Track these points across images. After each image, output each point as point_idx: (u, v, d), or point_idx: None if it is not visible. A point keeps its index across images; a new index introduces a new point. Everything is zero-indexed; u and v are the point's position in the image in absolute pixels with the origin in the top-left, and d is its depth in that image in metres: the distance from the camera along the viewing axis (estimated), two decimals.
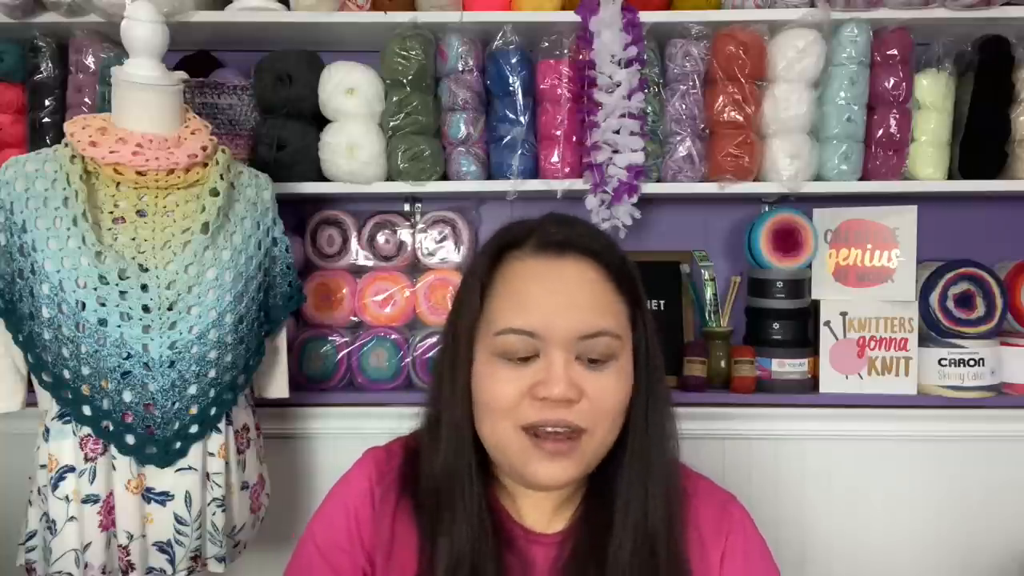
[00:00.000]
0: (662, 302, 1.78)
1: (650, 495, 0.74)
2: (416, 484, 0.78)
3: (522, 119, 1.55)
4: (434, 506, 0.75)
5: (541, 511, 0.79)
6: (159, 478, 1.17)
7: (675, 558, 0.74)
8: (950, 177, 1.62)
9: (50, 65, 1.53)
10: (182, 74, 1.24)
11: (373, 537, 0.78)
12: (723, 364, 1.69)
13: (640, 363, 0.75)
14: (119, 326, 1.13)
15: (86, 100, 1.51)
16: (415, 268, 1.74)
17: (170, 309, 1.15)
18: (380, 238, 1.71)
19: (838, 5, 1.55)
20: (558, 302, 0.71)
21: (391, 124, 1.54)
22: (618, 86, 1.49)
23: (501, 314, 0.72)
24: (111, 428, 1.14)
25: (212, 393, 1.20)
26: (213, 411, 1.21)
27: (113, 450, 1.15)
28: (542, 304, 0.71)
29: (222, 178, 1.21)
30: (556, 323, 0.70)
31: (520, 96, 1.55)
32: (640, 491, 0.74)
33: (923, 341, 1.67)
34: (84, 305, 1.11)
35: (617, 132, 1.51)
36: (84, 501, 1.14)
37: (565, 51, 1.55)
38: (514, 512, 0.80)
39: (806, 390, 1.68)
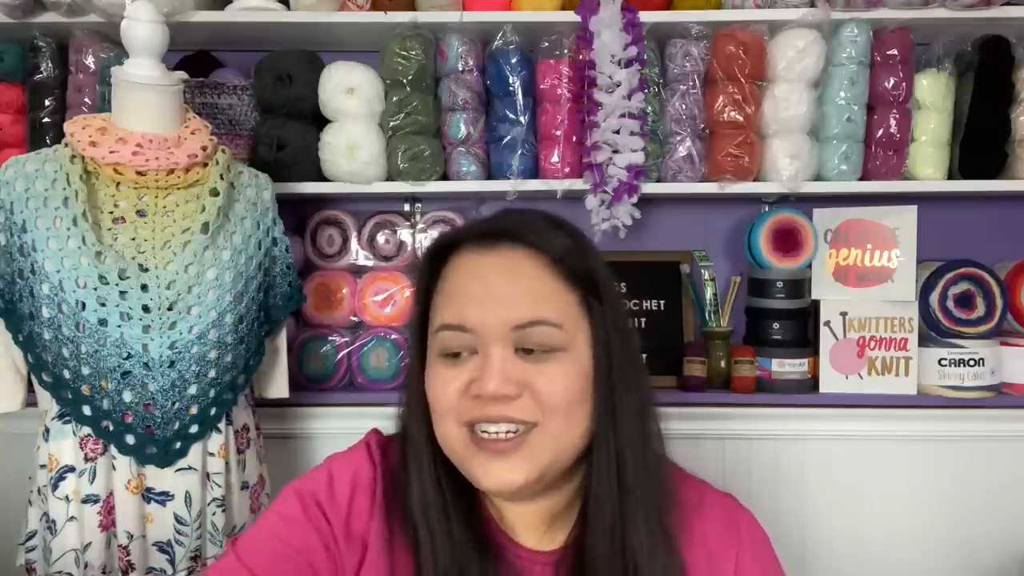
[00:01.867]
0: (662, 302, 1.78)
1: (626, 506, 0.69)
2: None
3: (522, 119, 1.55)
4: (414, 519, 0.72)
5: (531, 526, 0.74)
6: (159, 478, 1.17)
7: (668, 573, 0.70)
8: (950, 177, 1.62)
9: (50, 65, 1.53)
10: (182, 74, 1.24)
11: (367, 524, 0.73)
12: (723, 364, 1.69)
13: (600, 357, 0.69)
14: (119, 326, 1.12)
15: (86, 100, 1.51)
16: (415, 268, 1.73)
17: (170, 309, 1.15)
18: (380, 238, 1.71)
19: (838, 5, 1.55)
20: (490, 294, 0.67)
21: (391, 124, 1.54)
22: (618, 86, 1.49)
23: (438, 312, 0.70)
24: (111, 428, 1.14)
25: (212, 393, 1.20)
26: (213, 411, 1.21)
27: (113, 450, 1.15)
28: (473, 297, 0.68)
29: (222, 178, 1.21)
30: (488, 316, 0.67)
31: (520, 96, 1.55)
32: (614, 500, 0.69)
33: (923, 341, 1.67)
34: (84, 305, 1.11)
35: (617, 132, 1.51)
36: (84, 501, 1.14)
37: (565, 51, 1.55)
38: (506, 528, 0.75)
39: (806, 390, 1.68)
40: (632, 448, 0.70)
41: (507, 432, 0.66)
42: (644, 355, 0.79)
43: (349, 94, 1.53)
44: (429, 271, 0.73)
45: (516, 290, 0.68)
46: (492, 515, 0.75)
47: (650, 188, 1.57)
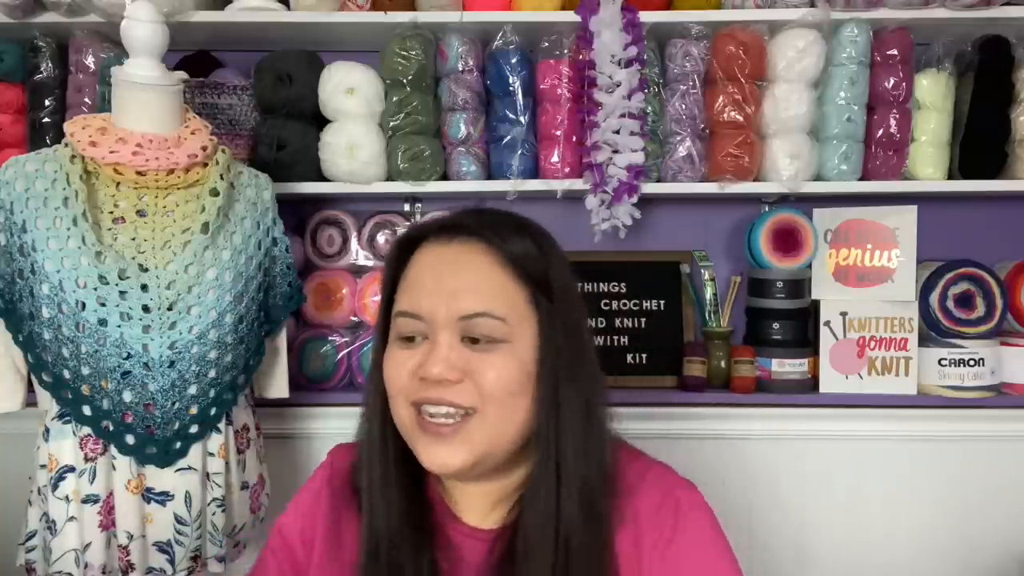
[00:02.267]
0: (662, 302, 1.78)
1: (563, 496, 0.72)
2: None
3: (522, 119, 1.55)
4: (360, 491, 0.79)
5: (477, 506, 0.79)
6: (159, 478, 1.17)
7: (593, 563, 0.72)
8: (950, 177, 1.62)
9: (50, 65, 1.53)
10: (182, 74, 1.24)
11: (312, 531, 0.83)
12: (723, 364, 1.69)
13: (545, 353, 0.73)
14: (119, 326, 1.12)
15: (86, 100, 1.51)
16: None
17: (170, 309, 1.15)
18: (380, 238, 1.71)
19: (838, 5, 1.55)
20: (442, 284, 0.72)
21: (391, 124, 1.54)
22: (618, 86, 1.49)
23: (398, 299, 0.75)
24: (111, 428, 1.14)
25: (212, 393, 1.20)
26: (213, 411, 1.21)
27: (113, 450, 1.15)
28: (428, 287, 0.73)
29: (222, 178, 1.21)
30: (438, 305, 0.71)
31: (520, 96, 1.55)
32: (552, 490, 0.72)
33: (923, 341, 1.67)
34: (84, 305, 1.11)
35: (617, 132, 1.51)
36: (84, 501, 1.14)
37: (565, 51, 1.55)
38: (451, 505, 0.80)
39: (806, 390, 1.68)
40: (573, 441, 0.73)
41: (447, 415, 0.71)
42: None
43: (349, 94, 1.53)
44: (395, 262, 0.77)
45: (465, 282, 0.72)
46: (440, 493, 0.81)
47: (650, 188, 1.57)
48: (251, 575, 0.85)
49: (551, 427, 0.72)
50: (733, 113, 1.54)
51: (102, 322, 1.12)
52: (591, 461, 0.74)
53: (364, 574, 0.76)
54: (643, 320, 1.78)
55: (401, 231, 0.85)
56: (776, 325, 1.68)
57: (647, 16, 1.52)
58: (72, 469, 1.15)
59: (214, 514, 1.22)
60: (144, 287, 1.13)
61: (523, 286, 0.73)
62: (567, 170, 1.57)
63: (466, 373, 0.70)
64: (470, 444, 0.71)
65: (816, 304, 1.71)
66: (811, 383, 1.69)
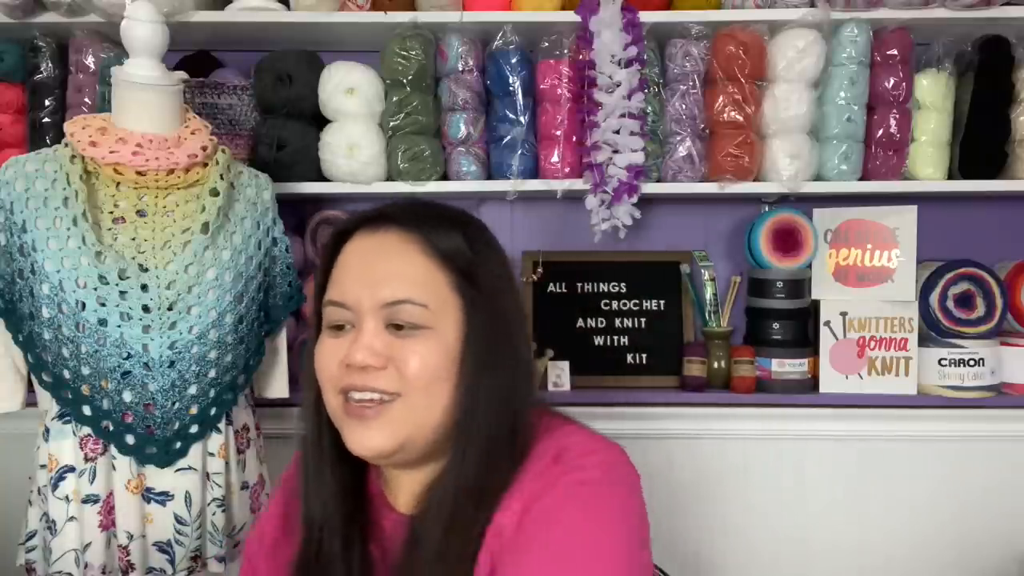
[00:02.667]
0: (662, 302, 1.78)
1: (461, 482, 0.72)
2: None
3: (522, 119, 1.55)
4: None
5: (410, 493, 0.79)
6: (159, 478, 1.17)
7: (470, 543, 0.70)
8: (950, 177, 1.62)
9: (50, 65, 1.53)
10: (182, 74, 1.24)
11: (267, 530, 0.86)
12: (723, 364, 1.69)
13: (469, 339, 0.73)
14: (119, 326, 1.12)
15: (86, 100, 1.51)
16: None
17: (170, 309, 1.15)
18: None
19: (838, 5, 1.55)
20: (367, 273, 0.74)
21: (391, 124, 1.54)
22: (618, 86, 1.49)
23: (328, 290, 0.76)
24: (111, 428, 1.14)
25: (212, 393, 1.20)
26: (213, 411, 1.21)
27: (113, 450, 1.15)
28: (353, 276, 0.74)
29: (222, 178, 1.21)
30: (362, 292, 0.73)
31: (520, 96, 1.55)
32: (454, 475, 0.72)
33: (923, 341, 1.67)
34: (84, 305, 1.11)
35: (617, 132, 1.51)
36: (84, 501, 1.14)
37: (565, 51, 1.55)
38: (388, 495, 0.81)
39: (806, 390, 1.68)
40: (488, 430, 0.72)
41: (371, 399, 0.72)
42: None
43: (349, 94, 1.53)
44: (328, 254, 0.79)
45: (388, 270, 0.73)
46: (381, 485, 0.82)
47: (650, 188, 1.57)
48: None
49: (469, 415, 0.73)
50: (733, 113, 1.54)
51: (102, 322, 1.12)
52: (501, 448, 0.73)
53: (298, 563, 0.78)
54: (643, 320, 1.78)
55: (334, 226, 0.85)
56: (776, 325, 1.68)
57: (647, 16, 1.52)
58: (72, 469, 1.15)
59: (214, 514, 1.22)
60: (144, 287, 1.13)
61: (447, 273, 0.74)
62: (567, 170, 1.57)
63: (390, 359, 0.71)
64: (392, 428, 0.72)
65: (816, 304, 1.71)
66: (811, 383, 1.69)
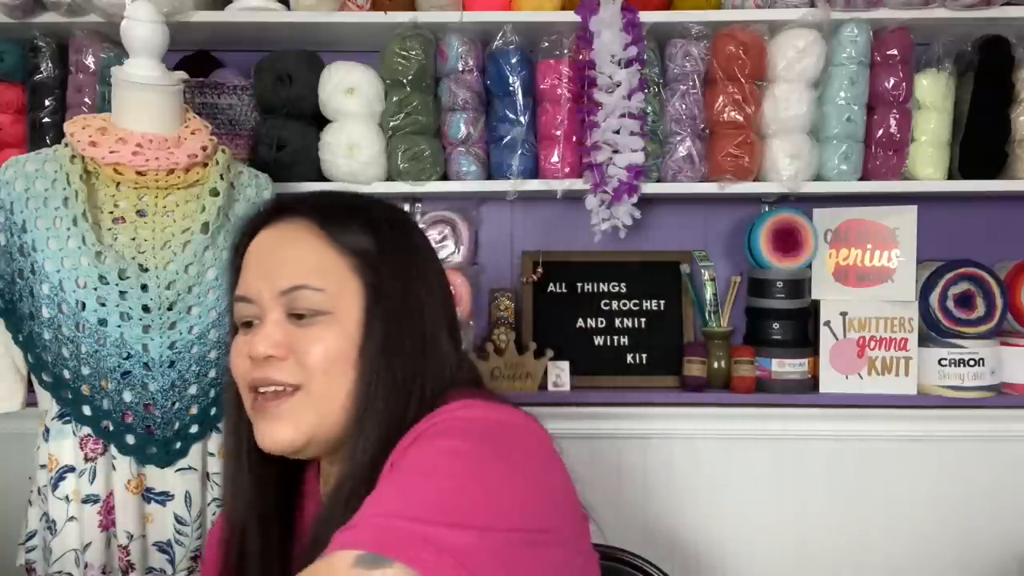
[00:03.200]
0: (662, 302, 1.78)
1: (356, 464, 0.69)
2: None
3: (522, 119, 1.56)
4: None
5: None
6: (159, 478, 1.17)
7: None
8: (950, 177, 1.62)
9: (50, 65, 1.53)
10: (182, 74, 1.24)
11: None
12: (723, 364, 1.69)
13: (369, 323, 0.71)
14: (119, 326, 1.12)
15: (86, 100, 1.50)
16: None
17: (170, 309, 1.15)
18: None
19: (838, 5, 1.55)
20: (264, 264, 0.73)
21: (391, 124, 1.54)
22: (618, 86, 1.49)
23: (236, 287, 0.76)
24: (111, 428, 1.14)
25: (212, 393, 1.20)
26: (213, 411, 1.21)
27: (113, 450, 1.15)
28: (253, 268, 0.74)
29: (222, 178, 1.21)
30: (262, 284, 0.72)
31: (520, 96, 1.55)
32: (349, 462, 0.70)
33: (923, 341, 1.67)
34: (84, 305, 1.11)
35: (617, 132, 1.51)
36: (84, 501, 1.14)
37: (565, 51, 1.55)
38: (323, 486, 0.80)
39: (806, 390, 1.68)
40: (387, 417, 0.69)
41: (274, 391, 0.71)
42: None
43: (349, 94, 1.53)
44: (236, 253, 0.79)
45: (283, 258, 0.73)
46: (316, 477, 0.82)
47: (650, 188, 1.57)
48: None
49: (365, 402, 0.70)
50: (733, 113, 1.54)
51: (102, 322, 1.12)
52: (397, 437, 0.67)
53: (222, 567, 0.78)
54: (643, 320, 1.78)
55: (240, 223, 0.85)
56: (776, 325, 1.68)
57: (647, 16, 1.52)
58: (72, 469, 1.15)
59: (214, 514, 1.22)
60: (144, 287, 1.13)
61: (346, 257, 0.72)
62: (567, 170, 1.57)
63: (291, 350, 0.70)
64: (296, 420, 0.70)
65: (816, 304, 1.71)
66: (811, 383, 1.69)
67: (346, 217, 0.74)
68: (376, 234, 0.74)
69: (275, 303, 0.72)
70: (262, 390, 0.72)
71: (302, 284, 0.71)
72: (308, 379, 0.70)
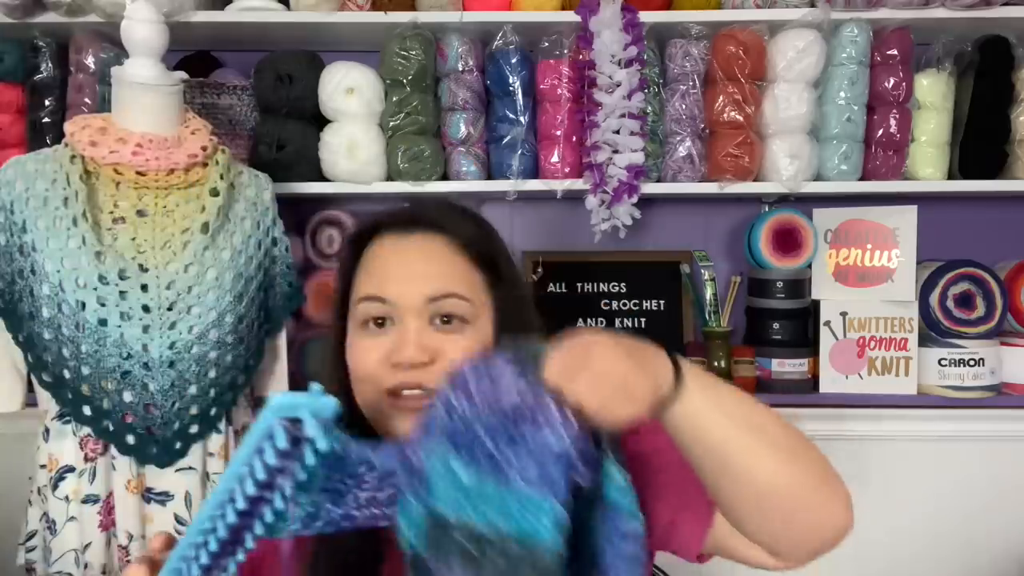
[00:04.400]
0: (662, 302, 1.78)
1: None
2: None
3: (522, 119, 1.55)
4: None
5: None
6: (159, 478, 1.17)
7: None
8: (950, 177, 1.62)
9: (50, 65, 1.52)
10: (182, 74, 1.24)
11: None
12: (723, 364, 1.69)
13: (500, 330, 0.77)
14: (119, 326, 1.12)
15: (86, 100, 1.50)
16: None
17: (170, 309, 1.15)
18: None
19: (838, 5, 1.54)
20: (406, 270, 0.76)
21: (391, 124, 1.54)
22: (618, 86, 1.49)
23: (359, 287, 0.78)
24: (111, 428, 1.14)
25: (212, 393, 1.20)
26: (213, 411, 1.21)
27: (113, 450, 1.15)
28: (392, 273, 0.76)
29: (222, 178, 1.21)
30: (405, 289, 0.74)
31: (520, 96, 1.55)
32: None
33: (923, 341, 1.67)
34: (84, 305, 1.11)
35: (617, 132, 1.51)
36: (84, 501, 1.14)
37: (565, 51, 1.55)
38: None
39: (806, 390, 1.68)
40: None
41: (420, 396, 0.73)
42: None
43: (349, 94, 1.53)
44: (351, 253, 0.80)
45: (432, 268, 0.76)
46: None
47: (650, 188, 1.57)
48: None
49: None
50: (733, 113, 1.54)
51: (102, 322, 1.12)
52: None
53: (313, 554, 0.77)
54: (643, 320, 1.78)
55: (354, 226, 0.87)
56: (776, 325, 1.68)
57: (647, 16, 1.52)
58: (72, 469, 1.15)
59: None
60: (144, 287, 1.13)
61: (479, 271, 0.78)
62: (567, 170, 1.57)
63: (435, 353, 0.73)
64: None
65: (816, 304, 1.71)
66: (811, 383, 1.69)
67: (477, 234, 0.79)
68: (498, 250, 0.80)
69: (419, 308, 0.74)
70: (406, 393, 0.74)
71: (452, 292, 0.74)
72: None
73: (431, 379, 0.72)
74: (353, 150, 1.53)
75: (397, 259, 0.77)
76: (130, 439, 1.15)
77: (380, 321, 0.75)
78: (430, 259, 0.76)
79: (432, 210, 0.81)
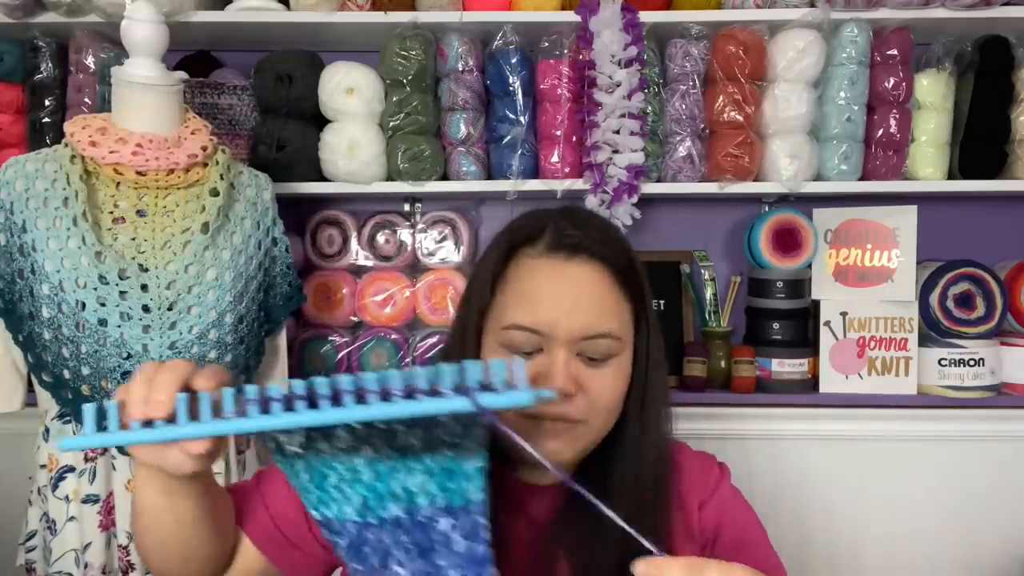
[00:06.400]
0: (662, 302, 1.78)
1: (640, 474, 0.78)
2: None
3: (522, 119, 1.55)
4: None
5: (540, 468, 0.80)
6: None
7: (659, 525, 0.79)
8: (950, 177, 1.62)
9: (50, 65, 1.53)
10: (182, 74, 1.24)
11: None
12: (723, 364, 1.69)
13: (640, 361, 0.78)
14: (119, 326, 1.13)
15: (86, 100, 1.50)
16: (415, 268, 1.74)
17: (170, 309, 1.15)
18: (380, 238, 1.71)
19: (838, 5, 1.55)
20: (565, 303, 0.74)
21: (391, 124, 1.54)
22: (618, 86, 1.49)
23: (509, 309, 0.75)
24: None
25: None
26: None
27: (113, 450, 1.15)
28: (549, 303, 0.74)
29: (222, 178, 1.21)
30: (561, 322, 0.73)
31: (520, 96, 1.55)
32: (632, 469, 0.79)
33: (923, 341, 1.67)
34: (84, 305, 1.11)
35: (617, 132, 1.51)
36: (84, 501, 1.14)
37: (565, 51, 1.55)
38: (521, 470, 0.83)
39: (806, 390, 1.68)
40: (650, 431, 0.79)
41: (561, 424, 0.74)
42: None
43: (349, 94, 1.53)
44: (500, 258, 0.79)
45: (587, 302, 0.74)
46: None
47: (650, 188, 1.57)
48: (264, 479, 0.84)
49: (636, 421, 0.79)
50: (733, 113, 1.54)
51: (102, 322, 1.12)
52: (660, 448, 0.80)
53: None
54: None
55: (506, 231, 0.86)
56: (776, 325, 1.68)
57: (647, 16, 1.52)
58: (72, 469, 1.15)
59: None
60: (144, 287, 1.14)
61: (630, 301, 0.77)
62: (567, 170, 1.57)
63: (580, 386, 0.73)
64: (575, 446, 0.75)
65: (816, 304, 1.71)
66: (811, 383, 1.69)
67: (628, 262, 0.78)
68: (643, 277, 0.79)
69: (570, 342, 0.73)
70: (548, 425, 0.74)
71: (607, 332, 0.74)
72: (594, 416, 0.75)
73: (574, 410, 0.73)
74: (353, 150, 1.53)
75: (554, 288, 0.74)
76: None
77: (529, 351, 0.74)
78: (590, 293, 0.74)
79: (595, 235, 0.78)
